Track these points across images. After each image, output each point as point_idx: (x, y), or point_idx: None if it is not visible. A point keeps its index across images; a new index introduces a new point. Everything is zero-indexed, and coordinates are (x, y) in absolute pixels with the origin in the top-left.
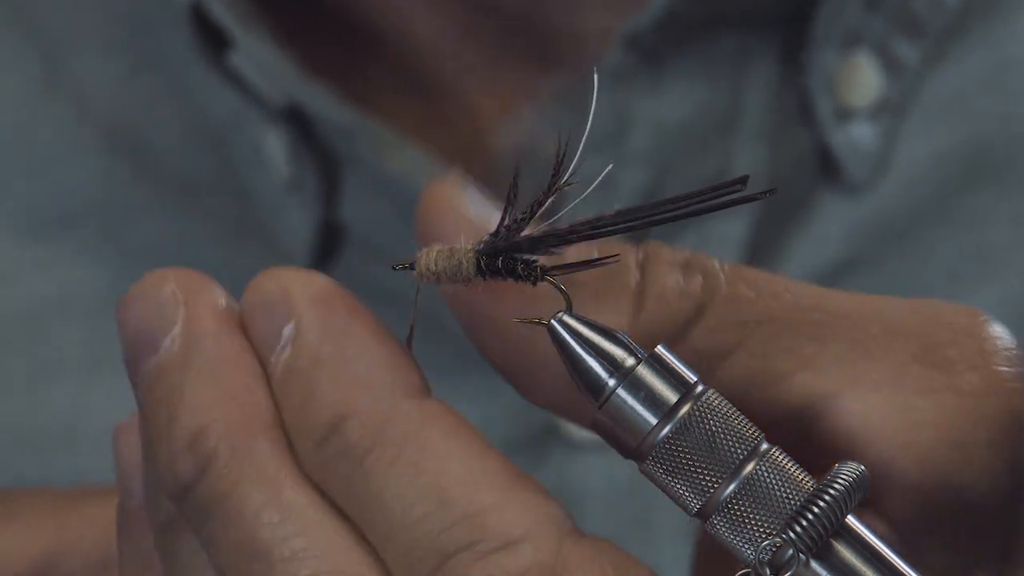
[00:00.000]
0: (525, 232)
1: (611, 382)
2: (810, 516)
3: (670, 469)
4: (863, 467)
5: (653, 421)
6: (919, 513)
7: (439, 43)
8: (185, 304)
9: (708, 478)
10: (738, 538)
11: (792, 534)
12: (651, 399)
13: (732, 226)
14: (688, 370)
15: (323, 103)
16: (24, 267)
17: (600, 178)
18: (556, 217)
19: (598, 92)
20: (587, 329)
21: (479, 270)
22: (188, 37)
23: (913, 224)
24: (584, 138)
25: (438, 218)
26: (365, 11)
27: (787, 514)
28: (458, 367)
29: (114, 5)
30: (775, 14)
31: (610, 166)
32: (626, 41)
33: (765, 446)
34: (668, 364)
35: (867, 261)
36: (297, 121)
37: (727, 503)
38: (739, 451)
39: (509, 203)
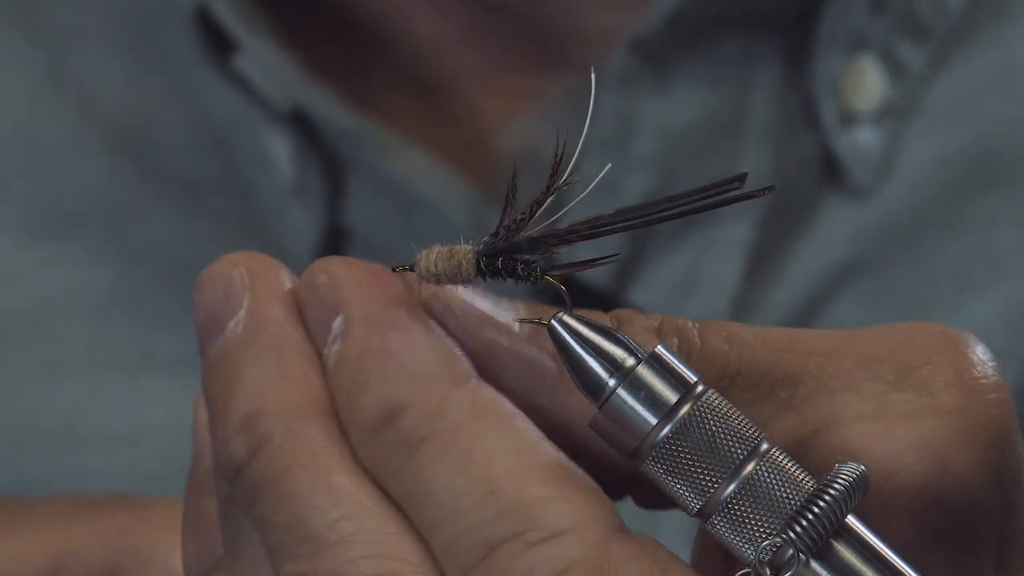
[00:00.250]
0: (524, 232)
1: (611, 382)
2: (810, 516)
3: (670, 469)
4: (863, 467)
5: (653, 421)
6: (914, 535)
7: (443, 44)
8: (251, 289)
9: (708, 478)
10: (738, 538)
11: (792, 534)
12: (651, 399)
13: (736, 229)
14: (688, 370)
15: (327, 106)
16: (27, 267)
17: (598, 179)
18: (555, 217)
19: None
20: (587, 329)
21: (479, 271)
22: (191, 39)
23: (918, 228)
24: (582, 138)
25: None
26: (369, 12)
27: (787, 514)
28: None
29: (118, 5)
30: (780, 17)
31: (608, 166)
32: (631, 44)
33: (765, 446)
34: (668, 364)
35: (872, 265)
36: (301, 124)
37: (727, 503)
38: (739, 451)
39: (508, 203)
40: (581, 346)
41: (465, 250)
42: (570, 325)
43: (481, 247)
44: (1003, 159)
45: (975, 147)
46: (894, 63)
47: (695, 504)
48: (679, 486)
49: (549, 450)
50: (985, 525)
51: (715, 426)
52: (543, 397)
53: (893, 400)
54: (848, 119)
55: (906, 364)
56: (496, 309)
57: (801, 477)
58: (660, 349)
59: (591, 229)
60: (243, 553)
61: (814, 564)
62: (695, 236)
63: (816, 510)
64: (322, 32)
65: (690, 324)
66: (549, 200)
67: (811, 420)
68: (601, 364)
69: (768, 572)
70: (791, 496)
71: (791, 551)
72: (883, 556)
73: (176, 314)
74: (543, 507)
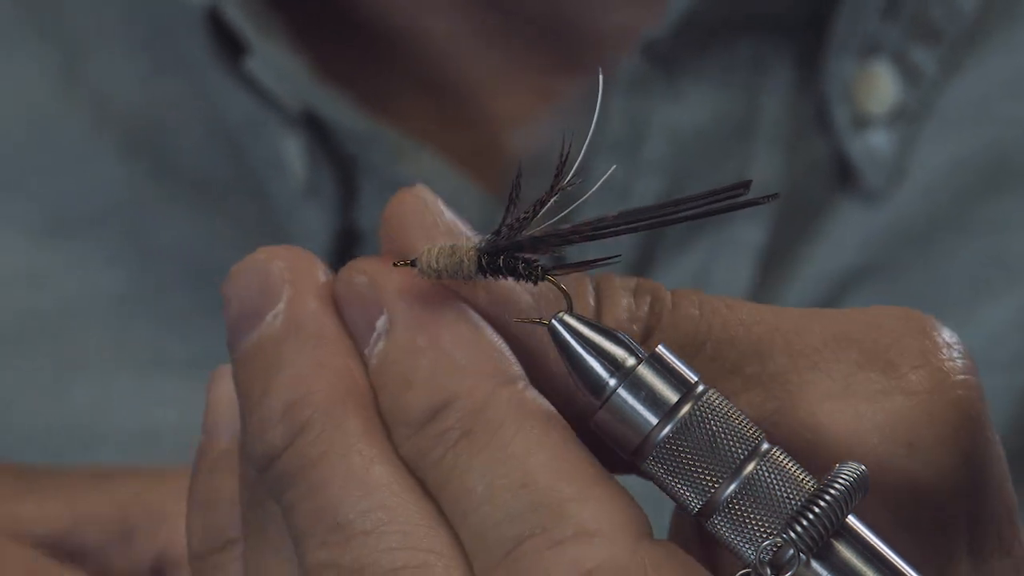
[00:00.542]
0: (527, 231)
1: (612, 382)
2: (811, 516)
3: (671, 469)
4: (863, 467)
5: (654, 421)
6: (883, 517)
7: (455, 45)
8: (290, 283)
9: (709, 478)
10: (739, 538)
11: (793, 534)
12: (652, 399)
13: (747, 232)
14: (689, 370)
15: (337, 109)
16: (45, 268)
17: (602, 180)
18: (558, 217)
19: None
20: (588, 329)
21: (480, 268)
22: (204, 40)
23: (931, 231)
24: (587, 140)
25: (400, 228)
26: (380, 13)
27: (788, 514)
28: None
29: (133, 6)
30: (791, 20)
31: (613, 167)
32: (643, 47)
33: (766, 446)
34: (668, 364)
35: (884, 269)
36: (313, 126)
37: (728, 503)
38: (740, 451)
39: (512, 202)
40: (582, 346)
41: (467, 247)
42: (571, 325)
43: (483, 244)
44: (1016, 162)
45: (988, 151)
46: (907, 67)
47: (696, 504)
48: (680, 486)
49: (585, 455)
50: (954, 507)
51: (716, 426)
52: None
53: (860, 380)
54: (861, 123)
55: (875, 345)
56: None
57: (802, 477)
58: (661, 349)
59: (594, 230)
60: (267, 539)
61: (814, 564)
62: (706, 238)
63: (816, 510)
64: (334, 34)
65: (663, 288)
66: (553, 200)
67: (777, 396)
68: (602, 364)
69: (768, 572)
70: (792, 496)
71: (792, 551)
72: (883, 556)
73: (190, 315)
74: (575, 506)
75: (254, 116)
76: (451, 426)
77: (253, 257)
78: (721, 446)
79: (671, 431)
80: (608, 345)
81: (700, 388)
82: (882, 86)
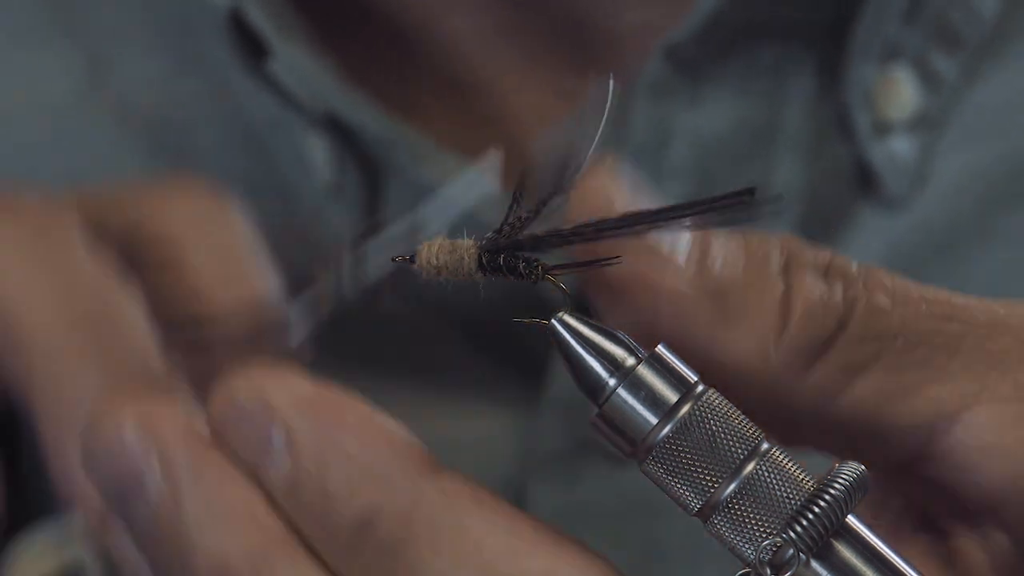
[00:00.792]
0: (529, 231)
1: (611, 382)
2: (810, 516)
3: (670, 469)
4: (863, 467)
5: (653, 421)
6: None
7: (477, 44)
8: (155, 446)
9: (708, 478)
10: (738, 538)
11: (792, 534)
12: (651, 399)
13: None
14: (688, 369)
15: (361, 112)
16: None
17: (605, 180)
18: (560, 216)
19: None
20: (587, 328)
21: (480, 266)
22: (227, 41)
23: (952, 240)
24: (596, 140)
25: (591, 207)
26: (401, 12)
27: (787, 514)
28: (497, 374)
29: (155, 6)
30: (813, 25)
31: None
32: (665, 52)
33: (765, 446)
34: (668, 363)
35: (906, 276)
36: (337, 128)
37: (727, 503)
38: (739, 451)
39: (516, 200)
40: (581, 345)
41: (468, 244)
42: (570, 324)
43: (484, 242)
44: None
45: (1009, 160)
46: (927, 73)
47: (695, 504)
48: (679, 486)
49: (529, 520)
50: None
51: (715, 426)
52: (702, 337)
53: None
54: (882, 129)
55: None
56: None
57: (801, 477)
58: (660, 348)
59: (596, 232)
60: None
61: (814, 564)
62: None
63: (816, 510)
64: (355, 35)
65: (855, 269)
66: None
67: (962, 393)
68: (601, 364)
69: (768, 572)
70: (791, 496)
71: (791, 551)
72: (883, 556)
73: None
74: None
75: (278, 116)
76: (386, 536)
77: (102, 431)
78: (721, 446)
79: (671, 431)
80: (608, 345)
81: (700, 388)
82: (903, 92)
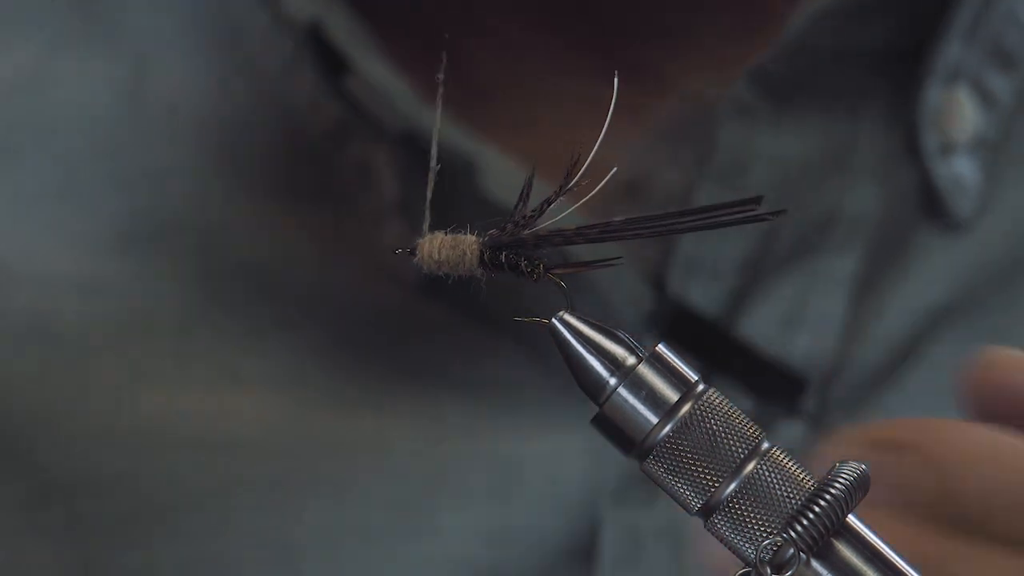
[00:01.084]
0: (532, 229)
1: (612, 381)
2: (811, 515)
3: (671, 468)
4: (864, 466)
5: (654, 420)
6: None
7: (547, 75)
8: None
9: (709, 477)
10: (739, 537)
11: (793, 533)
12: (652, 398)
13: (843, 263)
14: (689, 369)
15: (444, 132)
16: (113, 279)
17: (605, 180)
18: (562, 216)
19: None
20: (588, 328)
21: (482, 262)
22: (289, 51)
23: (1014, 269)
24: (599, 140)
25: (994, 390)
26: (470, 33)
27: (788, 513)
28: (566, 393)
29: (199, 11)
30: (891, 49)
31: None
32: (752, 76)
33: (766, 445)
34: (669, 363)
35: (967, 306)
36: (410, 144)
37: (728, 502)
38: (740, 450)
39: (521, 199)
40: (582, 345)
41: (470, 240)
42: (571, 324)
43: (487, 239)
44: None
45: None
46: (984, 93)
47: (696, 503)
48: (679, 485)
49: None
50: None
51: (716, 425)
52: None
53: None
54: (947, 150)
55: None
56: None
57: (802, 476)
58: (661, 348)
59: (600, 233)
60: None
61: (815, 563)
62: (798, 272)
63: (817, 509)
64: (427, 54)
65: (894, 432)
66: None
67: None
68: (602, 363)
69: (768, 571)
70: (792, 495)
71: (792, 550)
72: (884, 556)
73: (262, 330)
74: None
75: (343, 128)
76: None
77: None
78: (721, 445)
79: (671, 430)
80: (608, 344)
81: (700, 387)
82: (965, 113)
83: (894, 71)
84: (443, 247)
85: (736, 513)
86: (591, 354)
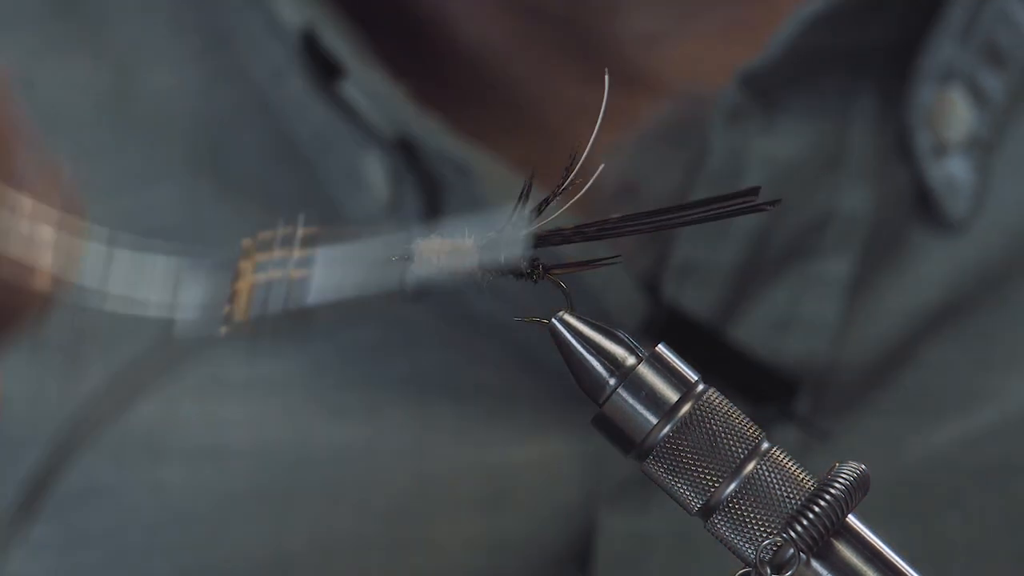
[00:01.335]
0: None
1: (612, 381)
2: (811, 515)
3: (671, 468)
4: (864, 466)
5: (654, 420)
6: None
7: (540, 79)
8: None
9: (709, 477)
10: (739, 537)
11: (793, 533)
12: (652, 398)
13: (836, 265)
14: (689, 369)
15: (438, 138)
16: None
17: (594, 176)
18: (555, 215)
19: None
20: (588, 328)
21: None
22: (280, 56)
23: (1008, 270)
24: (592, 139)
25: None
26: (459, 40)
27: (788, 513)
28: (560, 398)
29: (186, 17)
30: (883, 49)
31: (602, 166)
32: (743, 79)
33: (766, 445)
34: (669, 363)
35: (961, 307)
36: (402, 149)
37: (728, 502)
38: (740, 450)
39: (520, 200)
40: (582, 345)
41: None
42: (571, 324)
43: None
44: None
45: None
46: (978, 92)
47: (696, 503)
48: (680, 485)
49: None
50: None
51: (716, 425)
52: None
53: None
54: (940, 151)
55: None
56: None
57: (802, 476)
58: (661, 348)
59: (598, 231)
60: None
61: (815, 563)
62: (794, 274)
63: (817, 509)
64: (419, 60)
65: None
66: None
67: None
68: (602, 363)
69: (768, 571)
70: (792, 495)
71: (792, 550)
72: (884, 556)
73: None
74: None
75: (329, 131)
76: None
77: None
78: (721, 445)
79: (671, 431)
80: (608, 344)
81: (700, 387)
82: (959, 112)
83: (886, 72)
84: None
85: (736, 513)
86: (591, 354)
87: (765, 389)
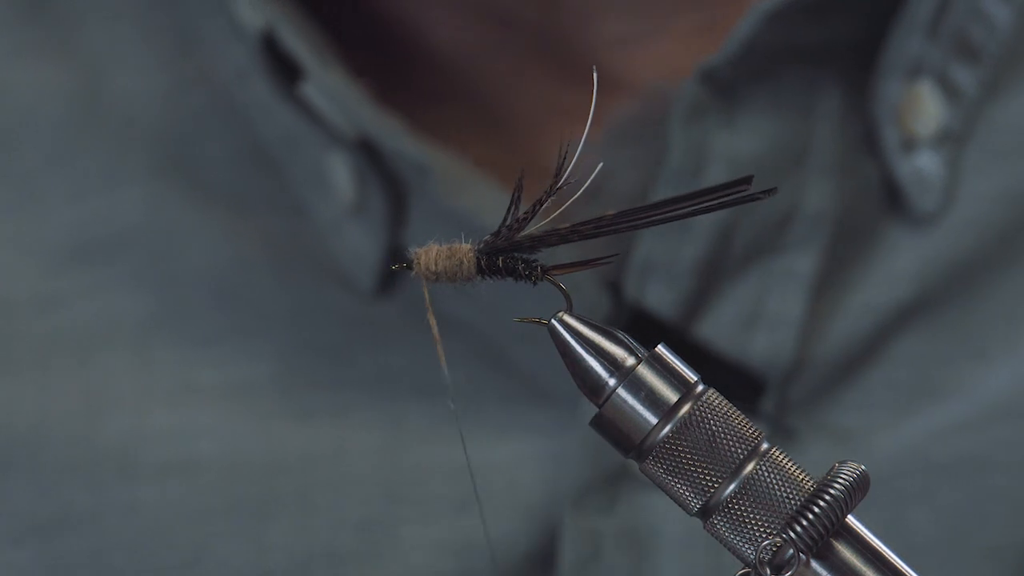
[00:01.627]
0: (526, 231)
1: (611, 382)
2: (810, 516)
3: (670, 469)
4: (863, 467)
5: (653, 421)
6: None
7: (503, 75)
8: None
9: (708, 478)
10: (738, 538)
11: (792, 534)
12: (651, 399)
13: (802, 261)
14: (689, 369)
15: (397, 139)
16: (68, 293)
17: (590, 179)
18: (553, 216)
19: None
20: (587, 329)
21: (479, 269)
22: (245, 59)
23: (977, 263)
24: (582, 140)
25: None
26: (428, 42)
27: (787, 514)
28: (526, 398)
29: (154, 20)
30: (844, 44)
31: (600, 164)
32: (702, 75)
33: (765, 446)
34: (668, 363)
35: (930, 300)
36: (365, 149)
37: (727, 503)
38: (739, 451)
39: (513, 203)
40: (581, 345)
41: (465, 248)
42: (570, 325)
43: (482, 245)
44: None
45: None
46: (949, 87)
47: (695, 504)
48: (679, 486)
49: None
50: None
51: (715, 426)
52: None
53: None
54: (909, 145)
55: None
56: None
57: (801, 477)
58: (661, 348)
59: (594, 229)
60: None
61: (814, 564)
62: (757, 269)
63: (816, 510)
64: (384, 61)
65: None
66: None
67: None
68: (601, 364)
69: (768, 572)
70: (791, 496)
71: (791, 551)
72: (883, 556)
73: (220, 339)
74: None
75: (297, 134)
76: None
77: None
78: (721, 446)
79: (671, 431)
80: (608, 345)
81: (700, 388)
82: (928, 107)
83: (850, 67)
84: (439, 257)
85: (736, 514)
86: (590, 355)
87: (731, 387)
